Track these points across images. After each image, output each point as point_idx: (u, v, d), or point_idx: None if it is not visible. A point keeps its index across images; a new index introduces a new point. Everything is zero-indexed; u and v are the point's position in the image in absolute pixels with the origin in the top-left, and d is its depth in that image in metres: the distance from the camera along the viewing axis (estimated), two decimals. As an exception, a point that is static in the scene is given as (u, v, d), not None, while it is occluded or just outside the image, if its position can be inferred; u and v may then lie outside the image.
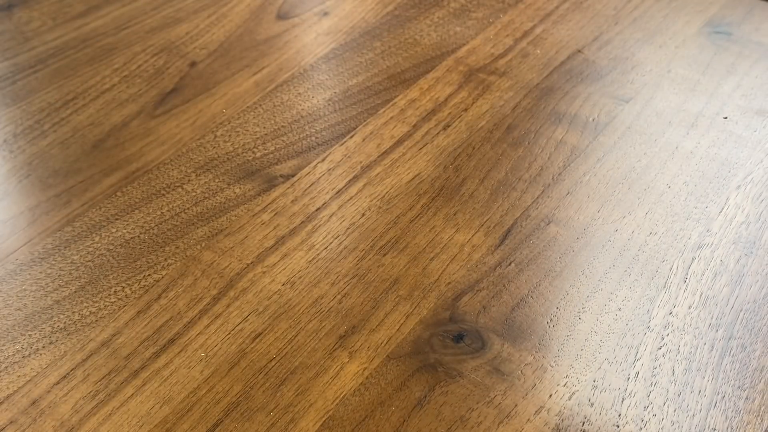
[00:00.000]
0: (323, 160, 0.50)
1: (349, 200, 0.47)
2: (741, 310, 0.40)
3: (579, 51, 0.60)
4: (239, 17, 0.64)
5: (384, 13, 0.64)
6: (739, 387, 0.37)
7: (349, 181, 0.48)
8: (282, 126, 0.52)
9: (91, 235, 0.44)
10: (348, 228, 0.45)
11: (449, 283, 0.42)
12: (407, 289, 0.41)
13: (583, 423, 0.35)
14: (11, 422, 0.34)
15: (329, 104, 0.54)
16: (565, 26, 0.63)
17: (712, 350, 0.38)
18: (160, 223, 0.45)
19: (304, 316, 0.40)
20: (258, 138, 0.51)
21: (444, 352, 0.38)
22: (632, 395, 0.36)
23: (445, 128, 0.52)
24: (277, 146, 0.51)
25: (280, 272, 0.42)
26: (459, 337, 0.39)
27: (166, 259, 0.43)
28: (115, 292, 0.41)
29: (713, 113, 0.54)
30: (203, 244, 0.44)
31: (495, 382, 0.37)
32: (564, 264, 0.43)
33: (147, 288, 0.41)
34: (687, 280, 0.42)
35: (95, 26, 0.62)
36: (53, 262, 0.43)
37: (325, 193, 0.47)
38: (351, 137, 0.51)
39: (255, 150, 0.50)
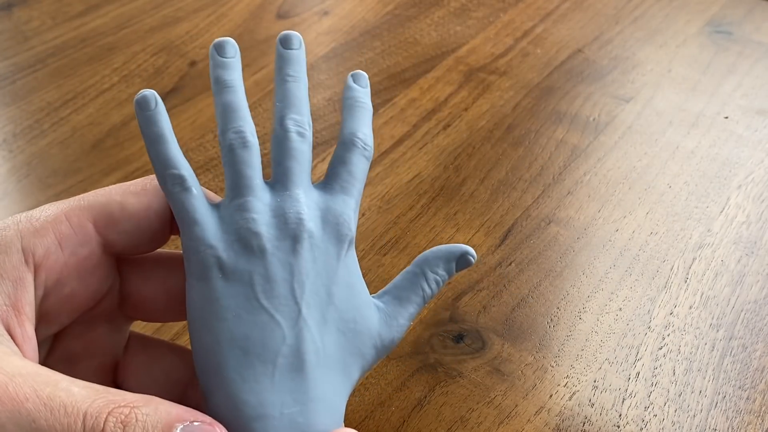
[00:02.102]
0: (323, 159, 0.49)
1: (349, 200, 0.47)
2: (742, 310, 0.40)
3: (579, 50, 0.60)
4: (239, 16, 0.63)
5: (384, 13, 0.64)
6: (740, 387, 0.37)
7: (349, 180, 0.48)
8: (282, 125, 0.52)
9: (90, 235, 0.44)
10: (348, 228, 0.45)
11: (449, 283, 0.41)
12: (407, 289, 0.41)
13: (584, 423, 0.35)
14: (10, 422, 0.34)
15: (329, 104, 0.54)
16: (565, 26, 0.63)
17: (713, 350, 0.38)
18: (160, 223, 0.45)
19: (304, 316, 0.40)
20: (258, 137, 0.51)
21: (444, 352, 0.38)
22: (633, 395, 0.36)
23: (445, 128, 0.52)
24: (277, 146, 0.51)
25: (279, 272, 0.42)
26: (459, 337, 0.39)
27: (165, 259, 0.43)
28: (114, 292, 0.41)
29: (714, 113, 0.54)
30: (203, 244, 0.44)
31: (495, 382, 0.37)
32: (564, 264, 0.43)
33: (146, 288, 0.41)
34: (688, 280, 0.42)
35: (95, 26, 0.62)
36: (53, 262, 0.43)
37: (325, 192, 0.47)
38: (351, 137, 0.51)
39: (255, 149, 0.50)
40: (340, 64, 0.58)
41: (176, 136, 0.55)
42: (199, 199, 0.27)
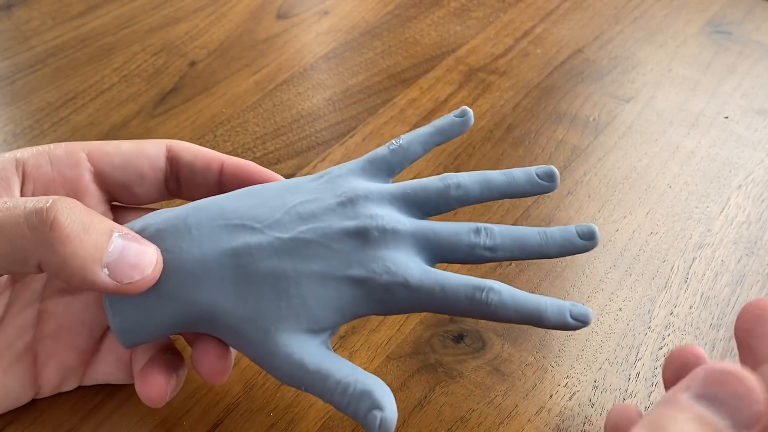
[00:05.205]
0: (323, 159, 0.49)
1: (349, 200, 0.46)
2: (742, 310, 0.40)
3: (579, 50, 0.60)
4: (239, 17, 0.63)
5: (384, 13, 0.64)
6: (740, 387, 0.37)
7: (349, 180, 0.48)
8: (282, 126, 0.52)
9: (90, 235, 0.44)
10: (348, 228, 0.45)
11: (449, 283, 0.41)
12: (407, 289, 0.41)
13: (584, 423, 0.35)
14: (11, 423, 0.34)
15: (329, 104, 0.54)
16: (565, 25, 0.63)
17: (713, 350, 0.38)
18: (160, 223, 0.45)
19: (304, 316, 0.40)
20: (258, 137, 0.51)
21: (444, 352, 0.38)
22: (633, 395, 0.36)
23: (445, 128, 0.52)
24: (277, 146, 0.51)
25: (280, 272, 0.42)
26: (459, 338, 0.39)
27: (165, 259, 0.43)
28: (114, 292, 0.41)
29: (714, 113, 0.54)
30: (203, 244, 0.44)
31: (495, 382, 0.37)
32: (564, 264, 0.43)
33: (146, 288, 0.41)
34: (688, 280, 0.42)
35: (95, 26, 0.62)
36: (52, 262, 0.43)
37: (325, 192, 0.47)
38: (351, 137, 0.51)
39: (255, 150, 0.50)
40: (340, 64, 0.58)
41: (176, 137, 0.55)
42: (388, 156, 0.33)
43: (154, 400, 0.31)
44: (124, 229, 0.29)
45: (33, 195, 0.31)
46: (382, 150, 0.34)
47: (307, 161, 0.49)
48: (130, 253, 0.28)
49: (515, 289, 0.30)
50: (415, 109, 0.54)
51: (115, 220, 0.34)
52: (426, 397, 0.36)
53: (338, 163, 0.49)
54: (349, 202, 0.31)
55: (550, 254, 0.31)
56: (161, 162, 0.33)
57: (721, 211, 0.46)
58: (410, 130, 0.52)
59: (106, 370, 0.34)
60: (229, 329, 0.30)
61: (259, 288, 0.29)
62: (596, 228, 0.31)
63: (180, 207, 0.31)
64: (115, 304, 0.29)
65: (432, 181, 0.32)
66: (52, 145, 0.32)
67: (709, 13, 0.64)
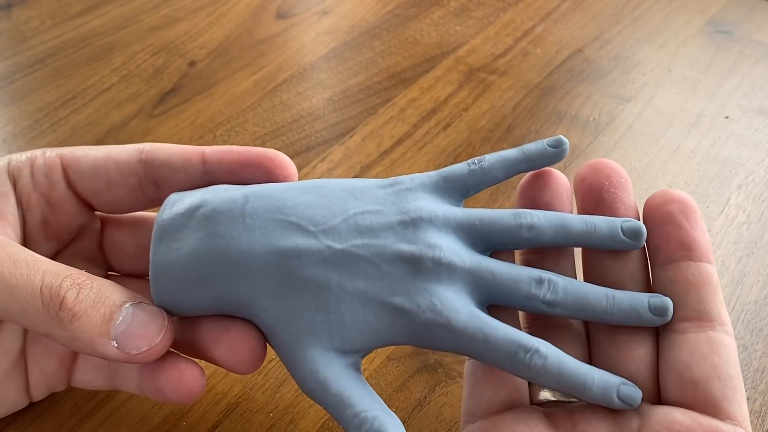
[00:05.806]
0: (323, 159, 0.49)
1: (349, 200, 0.46)
2: (742, 311, 0.40)
3: (579, 50, 0.60)
4: (239, 16, 0.63)
5: (384, 12, 0.64)
6: (740, 388, 0.37)
7: (349, 180, 0.48)
8: (281, 126, 0.52)
9: (90, 235, 0.44)
10: (348, 228, 0.45)
11: (449, 283, 0.41)
12: (407, 290, 0.41)
13: (584, 424, 0.35)
14: (10, 423, 0.34)
15: (329, 104, 0.54)
16: (565, 25, 0.63)
17: (713, 351, 0.38)
18: (160, 223, 0.45)
19: (304, 316, 0.40)
20: (257, 138, 0.51)
21: (444, 352, 0.38)
22: (633, 396, 0.36)
23: (445, 128, 0.52)
24: (277, 146, 0.51)
25: (279, 272, 0.42)
26: (459, 338, 0.39)
27: (165, 260, 0.43)
28: (114, 292, 0.41)
29: (714, 113, 0.54)
30: (203, 244, 0.44)
31: (495, 382, 0.37)
32: (565, 264, 0.42)
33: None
34: (688, 281, 0.42)
35: (94, 26, 0.62)
36: (52, 263, 0.43)
37: (325, 192, 0.47)
38: (351, 137, 0.51)
39: (254, 150, 0.50)
40: (340, 64, 0.58)
41: (176, 137, 0.55)
42: (465, 176, 0.32)
43: (195, 390, 0.30)
44: (138, 297, 0.28)
45: (19, 208, 0.32)
46: (460, 168, 0.31)
47: (307, 161, 0.49)
48: (137, 323, 0.27)
49: (563, 354, 0.28)
50: (415, 109, 0.54)
51: (106, 232, 0.35)
52: (426, 397, 0.36)
53: (338, 163, 0.49)
54: (411, 224, 0.29)
55: (612, 321, 0.29)
56: (132, 167, 0.32)
57: (722, 211, 0.46)
58: (410, 130, 0.52)
59: (84, 378, 0.33)
60: (264, 325, 0.29)
61: (299, 294, 0.28)
62: (671, 303, 0.28)
63: (239, 188, 0.30)
64: (158, 277, 0.29)
65: (504, 216, 0.30)
66: (38, 151, 0.32)
67: (709, 13, 0.64)
